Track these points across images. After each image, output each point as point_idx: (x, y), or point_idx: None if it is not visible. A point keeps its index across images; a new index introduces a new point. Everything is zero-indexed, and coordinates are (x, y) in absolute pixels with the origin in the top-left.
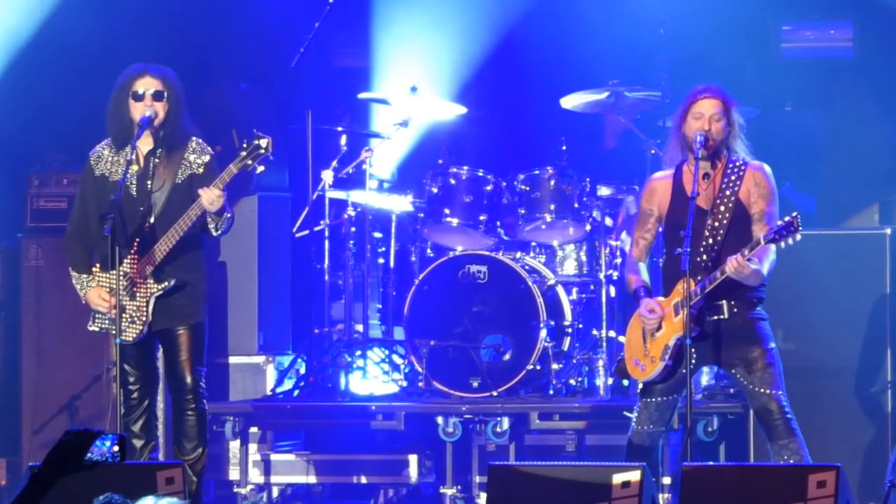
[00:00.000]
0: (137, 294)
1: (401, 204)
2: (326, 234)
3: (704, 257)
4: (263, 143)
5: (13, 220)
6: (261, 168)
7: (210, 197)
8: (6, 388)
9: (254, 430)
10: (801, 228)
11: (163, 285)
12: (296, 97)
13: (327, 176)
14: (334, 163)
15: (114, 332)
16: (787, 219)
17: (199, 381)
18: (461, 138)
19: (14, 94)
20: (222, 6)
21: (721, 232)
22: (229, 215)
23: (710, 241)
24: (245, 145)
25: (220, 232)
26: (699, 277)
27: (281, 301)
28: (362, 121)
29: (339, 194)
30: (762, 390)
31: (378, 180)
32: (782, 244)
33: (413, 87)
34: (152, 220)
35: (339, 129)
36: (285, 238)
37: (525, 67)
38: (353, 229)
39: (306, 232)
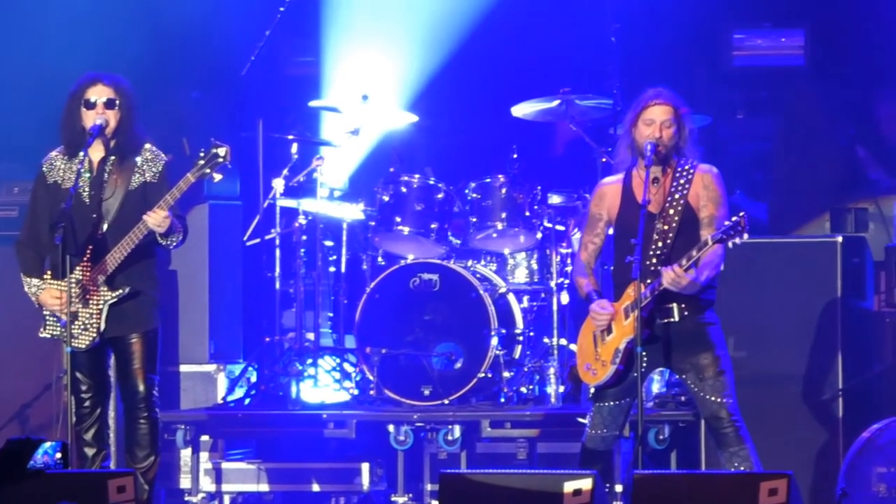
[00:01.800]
0: (90, 301)
1: (352, 212)
2: (277, 242)
3: (654, 261)
4: (221, 151)
5: None
6: (218, 176)
7: (156, 220)
8: None
9: (205, 438)
10: (747, 228)
11: (117, 293)
12: (247, 105)
13: (278, 184)
14: (285, 171)
15: (65, 338)
16: (734, 219)
17: (151, 389)
18: (412, 146)
19: None
20: (174, 15)
21: (670, 235)
22: (180, 236)
23: (660, 244)
24: (202, 154)
25: (173, 246)
26: (648, 281)
27: (232, 309)
28: (313, 129)
29: (289, 203)
30: (712, 398)
31: (329, 189)
32: (730, 244)
33: (364, 96)
34: (105, 227)
35: (290, 137)
36: (236, 246)
37: (476, 76)
38: (304, 238)
39: (257, 240)
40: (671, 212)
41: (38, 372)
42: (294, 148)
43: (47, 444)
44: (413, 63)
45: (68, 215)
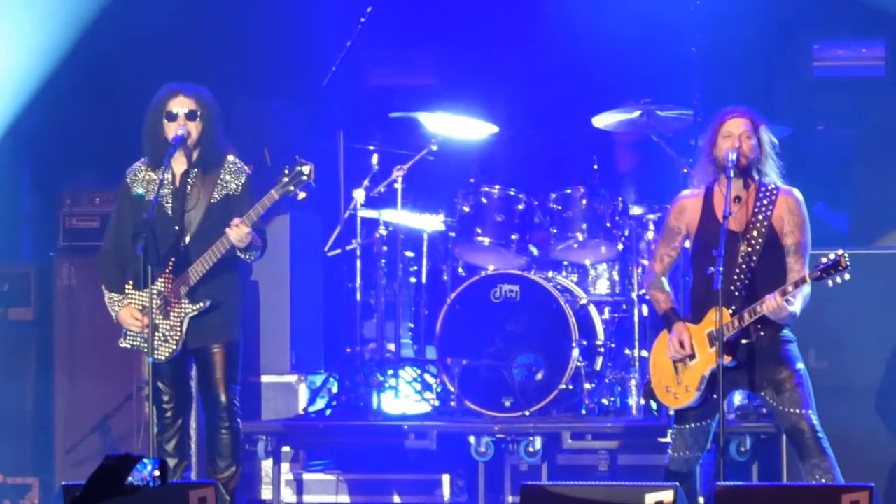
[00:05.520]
0: (171, 313)
1: (432, 223)
2: (358, 252)
3: (738, 284)
4: (306, 169)
5: (46, 239)
6: (302, 194)
7: (238, 235)
8: (39, 406)
9: (286, 449)
10: (849, 268)
11: (198, 306)
12: (327, 115)
13: (359, 195)
14: (366, 182)
15: (144, 349)
16: (832, 256)
17: (233, 399)
18: (493, 157)
19: (47, 113)
20: (255, 25)
21: (754, 258)
22: (257, 253)
23: (744, 266)
24: (287, 171)
25: (251, 260)
26: (733, 307)
27: (313, 320)
28: (394, 139)
29: (370, 213)
30: (792, 410)
31: (410, 199)
32: (830, 283)
33: (444, 106)
34: (187, 239)
35: (371, 147)
36: (317, 257)
37: (557, 86)
38: (384, 248)
39: (338, 251)
40: (755, 233)
41: (121, 382)
42: (375, 158)
43: (147, 462)
44: (494, 73)
45: (150, 225)
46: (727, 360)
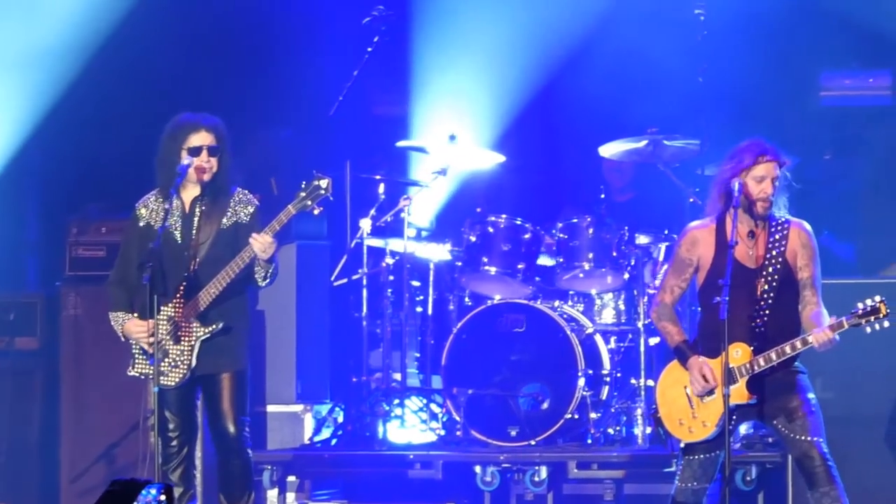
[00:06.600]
0: (182, 338)
1: (439, 252)
2: (364, 282)
3: (758, 321)
4: (323, 183)
5: (52, 268)
6: (318, 209)
7: (262, 244)
8: (45, 435)
9: (292, 478)
10: (889, 315)
11: (210, 328)
12: (334, 145)
13: (365, 224)
14: (372, 211)
15: (153, 375)
16: (869, 303)
17: (242, 430)
18: (499, 187)
19: (53, 142)
20: (262, 54)
21: (772, 295)
22: (272, 268)
23: (762, 304)
24: (304, 186)
25: (266, 282)
26: (755, 344)
27: (319, 349)
28: (401, 169)
29: (377, 242)
30: (803, 437)
31: (416, 229)
32: (868, 329)
33: (451, 136)
34: (197, 265)
35: (378, 177)
36: (324, 286)
37: (564, 116)
38: (391, 277)
39: (344, 280)
40: (770, 269)
41: (126, 411)
42: (381, 188)
43: (151, 487)
44: (501, 103)
45: (156, 255)
46: (749, 398)
